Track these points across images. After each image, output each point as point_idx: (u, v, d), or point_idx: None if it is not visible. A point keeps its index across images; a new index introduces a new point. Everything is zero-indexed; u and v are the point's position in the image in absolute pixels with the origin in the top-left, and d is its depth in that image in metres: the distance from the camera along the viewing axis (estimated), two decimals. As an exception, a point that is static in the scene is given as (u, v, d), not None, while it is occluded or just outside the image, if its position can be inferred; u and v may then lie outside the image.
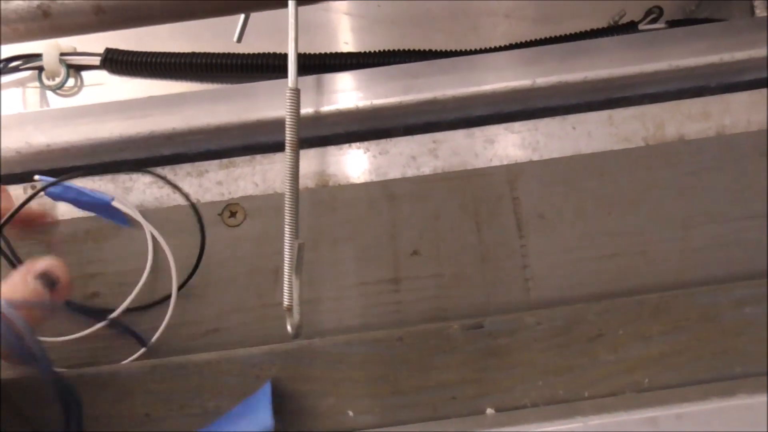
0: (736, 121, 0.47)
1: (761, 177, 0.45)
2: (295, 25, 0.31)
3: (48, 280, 0.33)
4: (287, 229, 0.33)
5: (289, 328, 0.36)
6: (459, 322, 0.39)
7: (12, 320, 0.31)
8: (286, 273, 0.34)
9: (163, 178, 0.43)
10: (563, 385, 0.38)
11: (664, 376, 0.38)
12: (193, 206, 0.42)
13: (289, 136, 0.32)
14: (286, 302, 0.35)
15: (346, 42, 0.52)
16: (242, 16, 0.39)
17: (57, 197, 0.42)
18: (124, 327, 0.42)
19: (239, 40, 0.39)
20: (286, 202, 0.33)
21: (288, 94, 0.32)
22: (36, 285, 0.33)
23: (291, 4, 0.31)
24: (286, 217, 0.33)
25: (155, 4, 0.35)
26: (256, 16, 0.53)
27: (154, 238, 0.43)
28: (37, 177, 0.40)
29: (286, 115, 0.32)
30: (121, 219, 0.43)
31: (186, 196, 0.44)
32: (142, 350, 0.42)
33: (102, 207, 0.42)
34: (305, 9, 0.39)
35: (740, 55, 0.46)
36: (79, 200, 0.42)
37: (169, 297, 0.42)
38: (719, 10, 0.51)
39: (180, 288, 0.42)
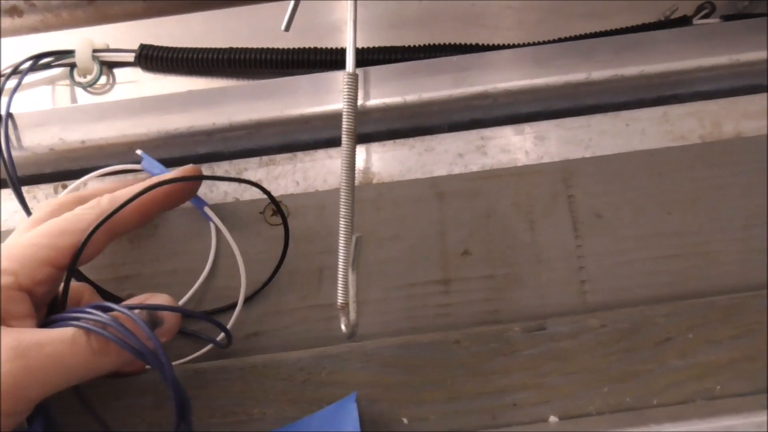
0: (795, 119, 0.45)
1: (824, 176, 0.43)
2: (354, 8, 0.29)
3: (152, 318, 0.32)
4: (342, 222, 0.31)
5: (343, 327, 0.34)
6: (519, 324, 0.37)
7: (133, 321, 0.31)
8: (341, 269, 0.32)
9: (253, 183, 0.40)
10: (630, 391, 0.36)
11: (737, 383, 0.36)
12: (274, 201, 0.40)
13: (346, 123, 0.30)
14: (340, 300, 0.33)
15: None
16: (291, 2, 0.38)
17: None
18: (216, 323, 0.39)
19: (287, 28, 0.37)
20: (342, 193, 0.31)
21: (346, 79, 0.30)
22: (142, 314, 0.32)
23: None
24: (342, 209, 0.31)
25: (205, -13, 0.33)
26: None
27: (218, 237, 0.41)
28: (138, 152, 0.41)
29: (343, 101, 0.30)
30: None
31: (268, 192, 0.41)
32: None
33: None
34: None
35: (800, 50, 0.44)
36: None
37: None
38: (774, 5, 0.49)
39: (251, 296, 0.41)
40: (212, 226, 0.42)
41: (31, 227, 0.34)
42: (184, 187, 0.37)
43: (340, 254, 0.32)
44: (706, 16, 0.48)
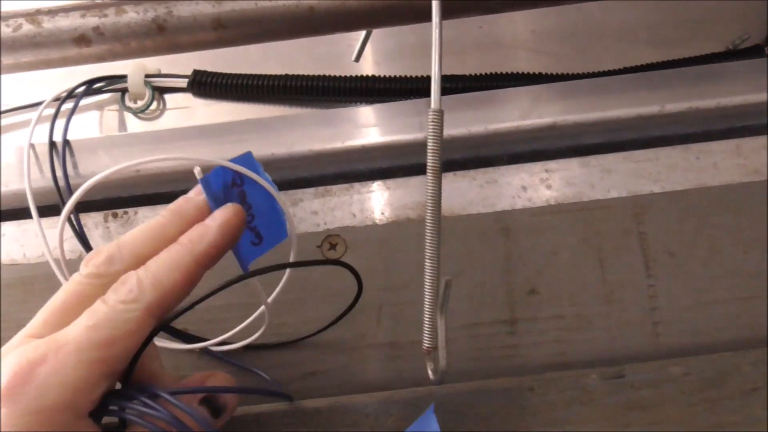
0: None
1: None
2: (439, 38, 0.28)
3: (214, 406, 0.29)
4: (428, 264, 0.30)
5: (430, 373, 0.32)
6: (597, 371, 0.35)
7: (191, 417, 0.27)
8: (426, 311, 0.30)
9: None
10: (716, 445, 0.34)
11: (829, 437, 0.34)
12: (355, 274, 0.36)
13: (431, 161, 0.29)
14: (426, 344, 0.31)
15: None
16: (363, 33, 0.36)
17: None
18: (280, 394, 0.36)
19: (358, 59, 0.36)
20: (428, 232, 0.30)
21: (431, 116, 0.28)
22: (200, 411, 0.29)
23: (435, 15, 0.28)
24: (428, 249, 0.30)
25: (279, 18, 0.32)
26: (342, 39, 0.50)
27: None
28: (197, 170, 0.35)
29: (428, 138, 0.29)
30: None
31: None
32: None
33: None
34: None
35: None
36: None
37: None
38: None
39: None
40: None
41: (50, 319, 0.28)
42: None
43: (426, 296, 0.30)
44: (778, 46, 0.46)
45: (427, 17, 0.28)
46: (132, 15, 0.32)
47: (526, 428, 0.34)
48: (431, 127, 0.28)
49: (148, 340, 0.27)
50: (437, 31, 0.27)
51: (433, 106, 0.28)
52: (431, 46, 0.28)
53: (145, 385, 0.28)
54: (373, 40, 0.51)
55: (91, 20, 0.32)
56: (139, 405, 0.27)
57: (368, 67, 0.51)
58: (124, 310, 0.26)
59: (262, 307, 0.35)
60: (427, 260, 0.29)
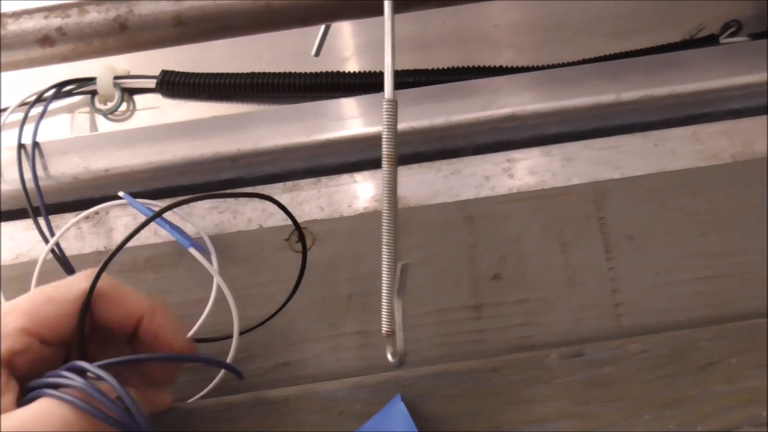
0: (827, 137, 0.44)
1: None
2: (392, 32, 0.29)
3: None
4: (385, 250, 0.31)
5: (389, 356, 0.33)
6: (557, 351, 0.36)
7: (119, 394, 0.28)
8: (384, 296, 0.31)
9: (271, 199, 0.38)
10: (674, 418, 0.35)
11: (784, 408, 0.35)
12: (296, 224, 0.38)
13: (386, 149, 0.30)
14: (385, 328, 0.32)
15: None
16: (321, 28, 0.37)
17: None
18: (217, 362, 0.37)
19: (318, 53, 0.37)
20: (384, 219, 0.31)
21: (385, 106, 0.29)
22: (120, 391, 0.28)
23: (387, 10, 0.29)
24: (384, 235, 0.31)
25: (238, 14, 0.33)
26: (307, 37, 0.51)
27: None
28: (121, 194, 0.37)
29: (383, 128, 0.30)
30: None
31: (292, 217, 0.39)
32: (210, 387, 0.38)
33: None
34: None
35: (831, 66, 0.44)
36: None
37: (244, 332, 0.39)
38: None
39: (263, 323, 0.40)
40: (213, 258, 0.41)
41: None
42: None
43: (384, 281, 0.31)
44: (733, 35, 0.48)
45: (382, 11, 0.29)
46: (94, 15, 0.33)
47: (490, 408, 0.35)
48: (385, 116, 0.29)
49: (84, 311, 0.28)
50: (389, 23, 0.28)
51: (386, 96, 0.29)
52: (384, 39, 0.29)
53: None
54: (344, 35, 0.52)
55: (54, 21, 0.33)
56: (63, 379, 0.27)
57: (339, 63, 0.52)
58: (71, 281, 0.30)
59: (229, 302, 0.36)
60: (384, 245, 0.30)
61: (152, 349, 0.32)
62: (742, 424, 0.35)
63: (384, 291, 0.30)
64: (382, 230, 0.30)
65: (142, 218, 0.43)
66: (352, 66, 0.52)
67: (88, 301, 0.29)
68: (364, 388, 0.35)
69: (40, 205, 0.41)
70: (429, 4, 0.34)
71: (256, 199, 0.45)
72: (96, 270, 0.30)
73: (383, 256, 0.30)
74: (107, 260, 0.30)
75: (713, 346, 0.36)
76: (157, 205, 0.41)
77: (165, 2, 0.33)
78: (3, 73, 0.38)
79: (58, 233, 0.41)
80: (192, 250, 0.36)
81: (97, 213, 0.45)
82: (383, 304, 0.30)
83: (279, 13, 0.33)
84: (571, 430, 0.35)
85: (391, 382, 0.35)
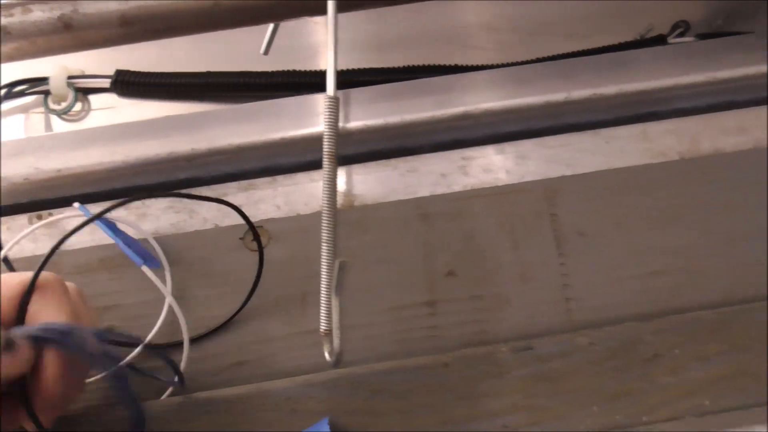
0: (772, 134, 0.46)
1: (804, 189, 0.43)
2: (334, 31, 0.29)
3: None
4: (325, 247, 0.31)
5: (327, 355, 0.33)
6: (508, 345, 0.36)
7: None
8: (323, 294, 0.31)
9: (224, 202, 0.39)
10: (620, 410, 0.36)
11: (726, 398, 0.36)
12: (251, 225, 0.38)
13: (327, 146, 0.30)
14: (323, 327, 0.32)
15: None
16: (270, 26, 0.37)
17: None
18: (166, 359, 0.37)
19: (266, 51, 0.37)
20: (324, 217, 0.31)
21: (326, 103, 0.30)
22: None
23: (330, 10, 0.29)
24: (324, 233, 0.31)
25: (183, 13, 0.33)
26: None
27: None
28: (76, 205, 0.37)
29: (324, 124, 0.30)
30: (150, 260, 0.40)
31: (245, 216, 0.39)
32: (170, 389, 0.38)
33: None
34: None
35: (774, 66, 0.45)
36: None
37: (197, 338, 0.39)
38: (747, 23, 0.50)
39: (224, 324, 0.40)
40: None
41: None
42: None
43: (323, 280, 0.31)
44: (681, 35, 0.49)
45: (326, 10, 0.29)
46: (38, 14, 0.32)
47: (441, 403, 0.35)
48: (327, 112, 0.29)
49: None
50: (332, 23, 0.28)
51: (328, 93, 0.29)
52: (328, 41, 0.29)
53: None
54: (308, 34, 0.53)
55: (-2, 19, 0.33)
56: None
57: (304, 61, 0.51)
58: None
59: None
60: (323, 243, 0.30)
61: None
62: (685, 414, 0.36)
63: (323, 289, 0.30)
64: (322, 227, 0.30)
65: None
66: (315, 65, 0.52)
67: (32, 286, 0.29)
68: (316, 385, 0.36)
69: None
70: (372, 4, 0.35)
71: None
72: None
73: (323, 254, 0.30)
74: (44, 261, 0.30)
75: (658, 339, 0.37)
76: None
77: (110, 1, 0.33)
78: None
79: (6, 247, 0.40)
80: (145, 269, 0.36)
81: (50, 214, 0.44)
82: (322, 302, 0.31)
83: (225, 13, 0.33)
84: (521, 423, 0.35)
85: (343, 379, 0.36)
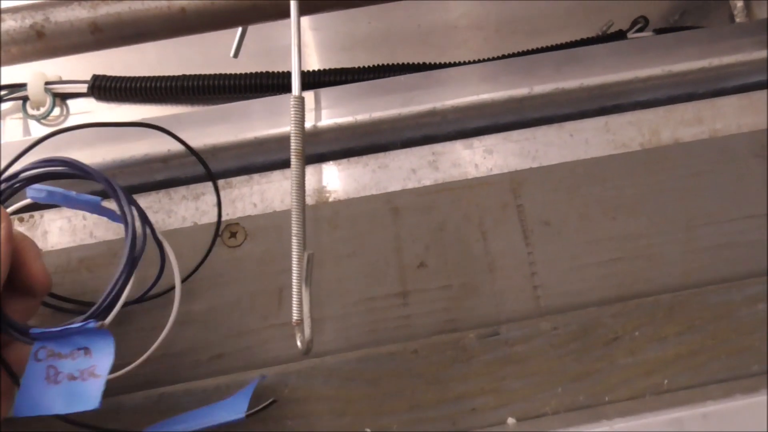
0: (727, 125, 0.47)
1: (757, 177, 0.45)
2: (298, 33, 0.30)
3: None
4: (295, 240, 0.32)
5: (299, 343, 0.35)
6: (474, 331, 0.38)
7: None
8: (294, 286, 0.33)
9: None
10: (583, 390, 0.38)
11: (682, 377, 0.38)
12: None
13: (294, 144, 0.31)
14: (295, 317, 0.33)
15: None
16: (239, 30, 0.39)
17: (44, 200, 0.38)
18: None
19: (236, 55, 0.38)
20: (293, 212, 0.32)
21: (292, 103, 0.31)
22: None
23: (293, 13, 0.30)
24: (294, 227, 0.32)
25: (152, 19, 0.34)
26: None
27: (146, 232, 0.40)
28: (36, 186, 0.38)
29: (291, 124, 0.31)
30: (115, 216, 0.40)
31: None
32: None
33: (92, 206, 0.39)
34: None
35: (728, 59, 0.47)
36: (67, 201, 0.39)
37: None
38: (701, 19, 0.52)
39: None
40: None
41: None
42: None
43: (294, 272, 0.33)
44: (640, 30, 0.50)
45: (289, 14, 0.31)
46: (10, 23, 0.33)
47: (410, 388, 0.37)
48: (293, 112, 0.30)
49: None
50: (295, 26, 0.30)
51: (294, 93, 0.30)
52: (291, 44, 0.31)
53: None
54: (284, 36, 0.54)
55: (-28, 29, 0.34)
56: None
57: (281, 63, 0.53)
58: None
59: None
60: (293, 236, 0.31)
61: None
62: (644, 392, 0.38)
63: (294, 281, 0.32)
64: (292, 221, 0.32)
65: (78, 221, 0.44)
66: (286, 66, 0.53)
67: None
68: (290, 374, 0.37)
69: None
70: (334, 6, 0.36)
71: (190, 199, 0.46)
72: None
73: (293, 247, 0.32)
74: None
75: (617, 323, 0.38)
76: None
77: (81, 9, 0.34)
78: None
79: None
80: (105, 203, 0.37)
81: (32, 216, 0.45)
82: (293, 293, 0.32)
83: (193, 19, 0.34)
84: (489, 405, 0.37)
85: (317, 368, 0.37)
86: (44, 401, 0.32)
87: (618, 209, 0.44)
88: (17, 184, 0.36)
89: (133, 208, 0.34)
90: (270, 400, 0.36)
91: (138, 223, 0.34)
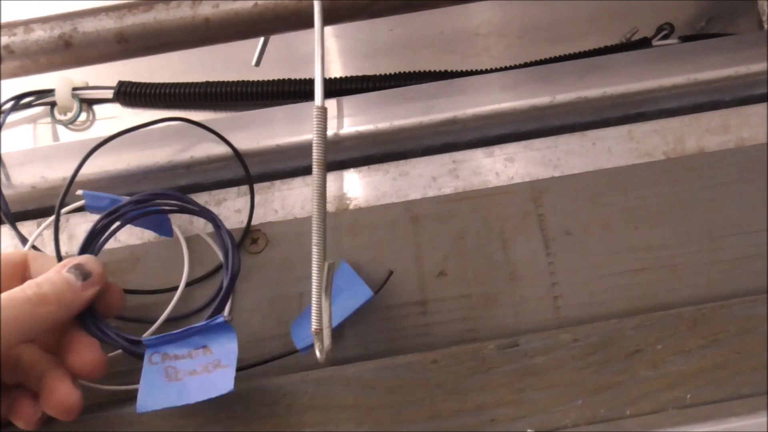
0: (754, 134, 0.46)
1: (785, 187, 0.44)
2: (321, 44, 0.30)
3: (80, 271, 0.36)
4: (315, 250, 0.33)
5: (318, 353, 0.35)
6: (494, 342, 0.38)
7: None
8: (314, 295, 0.33)
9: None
10: (604, 403, 0.37)
11: (706, 391, 0.37)
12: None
13: (316, 154, 0.31)
14: (314, 326, 0.34)
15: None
16: (261, 39, 0.39)
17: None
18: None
19: (258, 63, 0.39)
20: (314, 221, 0.33)
21: (315, 113, 0.31)
22: (68, 275, 0.35)
23: (317, 24, 0.31)
24: (314, 237, 0.32)
25: (177, 30, 0.35)
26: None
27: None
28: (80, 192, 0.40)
29: (313, 133, 0.31)
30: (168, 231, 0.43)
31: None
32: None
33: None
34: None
35: (756, 67, 0.46)
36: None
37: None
38: (729, 25, 0.51)
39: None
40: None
41: None
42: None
43: (314, 281, 0.33)
44: (665, 37, 0.50)
45: (312, 23, 0.31)
46: (40, 33, 0.34)
47: (429, 398, 0.37)
48: (315, 122, 0.30)
49: None
50: (319, 37, 0.30)
51: (316, 103, 0.30)
52: (315, 54, 0.31)
53: None
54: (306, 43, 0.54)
55: (2, 39, 0.34)
56: None
57: (298, 71, 0.53)
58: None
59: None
60: (313, 245, 0.32)
61: None
62: (667, 406, 0.37)
63: (313, 290, 0.32)
64: (312, 231, 0.32)
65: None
66: (310, 73, 0.53)
67: None
68: (309, 382, 0.37)
69: (5, 213, 0.42)
70: (356, 16, 0.36)
71: (212, 204, 0.46)
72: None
73: (313, 256, 0.32)
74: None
75: (639, 335, 0.38)
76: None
77: (108, 20, 0.34)
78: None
79: (31, 238, 0.42)
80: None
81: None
82: (313, 302, 0.32)
83: (216, 29, 0.34)
84: (508, 416, 0.37)
85: (336, 376, 0.37)
86: (169, 396, 0.35)
87: (641, 219, 0.44)
88: (117, 222, 0.40)
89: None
90: (389, 272, 0.40)
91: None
